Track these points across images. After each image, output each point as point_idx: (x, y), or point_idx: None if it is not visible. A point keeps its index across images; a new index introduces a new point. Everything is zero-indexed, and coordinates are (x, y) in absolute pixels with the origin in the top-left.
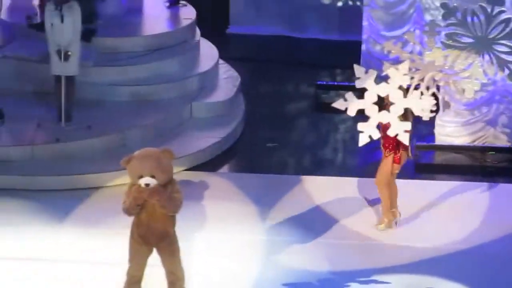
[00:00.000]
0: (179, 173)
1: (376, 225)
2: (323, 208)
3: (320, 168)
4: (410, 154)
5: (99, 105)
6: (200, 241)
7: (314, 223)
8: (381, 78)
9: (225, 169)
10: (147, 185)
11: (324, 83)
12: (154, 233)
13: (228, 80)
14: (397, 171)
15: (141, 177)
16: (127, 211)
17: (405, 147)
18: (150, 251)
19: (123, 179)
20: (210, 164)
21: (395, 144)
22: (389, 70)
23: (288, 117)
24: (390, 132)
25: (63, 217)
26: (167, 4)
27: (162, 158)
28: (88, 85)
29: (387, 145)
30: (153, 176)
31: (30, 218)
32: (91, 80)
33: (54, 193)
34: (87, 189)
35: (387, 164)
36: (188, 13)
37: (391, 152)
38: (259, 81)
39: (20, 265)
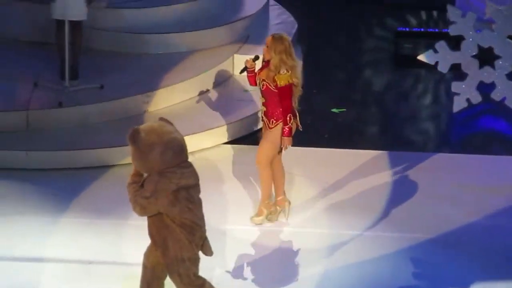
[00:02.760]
0: (219, 147)
1: (251, 217)
2: (396, 191)
3: (400, 141)
4: (299, 124)
5: (114, 58)
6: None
7: (380, 211)
8: (483, 22)
9: None
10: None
11: (407, 29)
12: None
13: (281, 26)
14: (287, 147)
15: None
16: None
17: (295, 115)
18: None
19: None
20: (257, 136)
21: (284, 110)
22: (494, 12)
23: (359, 74)
24: (494, 95)
25: (64, 204)
26: None
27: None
28: (99, 32)
29: (271, 112)
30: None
31: (22, 205)
32: (104, 25)
33: (54, 172)
34: (96, 168)
35: (272, 137)
36: None
37: (277, 122)
38: (321, 28)
39: (8, 266)
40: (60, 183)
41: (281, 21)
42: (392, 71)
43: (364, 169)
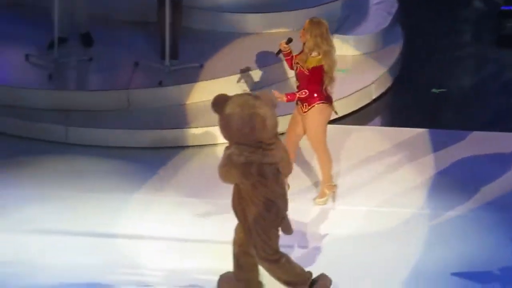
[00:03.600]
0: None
1: (314, 198)
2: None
3: (503, 122)
4: (335, 110)
5: (214, 38)
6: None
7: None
8: None
9: (376, 122)
10: None
11: (510, 8)
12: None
13: (381, 6)
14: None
15: None
16: None
17: (330, 100)
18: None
19: None
20: (357, 116)
21: (310, 92)
22: None
23: (460, 55)
24: None
25: (161, 182)
26: None
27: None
28: (199, 11)
29: (304, 95)
30: None
31: (122, 182)
32: (204, 4)
33: (152, 151)
34: (194, 147)
35: (310, 122)
36: None
37: (311, 106)
38: (422, 7)
39: (104, 242)
40: (157, 162)
41: (381, 1)
42: (494, 51)
43: (464, 149)
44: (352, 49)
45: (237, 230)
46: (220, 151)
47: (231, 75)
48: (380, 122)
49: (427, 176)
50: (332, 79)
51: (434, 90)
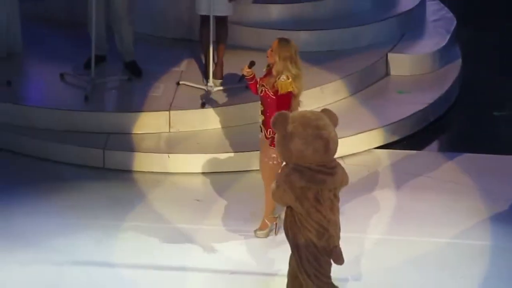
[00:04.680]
0: (369, 152)
1: (255, 230)
2: None
3: None
4: None
5: (260, 56)
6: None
7: None
8: None
9: (433, 146)
10: None
11: None
12: None
13: (438, 23)
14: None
15: None
16: None
17: None
18: None
19: None
20: (412, 140)
21: None
22: None
23: None
24: None
25: (206, 210)
26: None
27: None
28: (244, 29)
29: (269, 122)
30: None
31: (164, 211)
32: (249, 21)
33: (195, 177)
34: (238, 173)
35: (271, 150)
36: None
37: (274, 133)
38: (483, 24)
39: (150, 274)
40: (201, 188)
41: (439, 18)
42: None
43: None
44: (408, 69)
45: (291, 261)
46: (258, 177)
47: None
48: (438, 147)
49: (490, 204)
50: (299, 104)
51: (495, 113)
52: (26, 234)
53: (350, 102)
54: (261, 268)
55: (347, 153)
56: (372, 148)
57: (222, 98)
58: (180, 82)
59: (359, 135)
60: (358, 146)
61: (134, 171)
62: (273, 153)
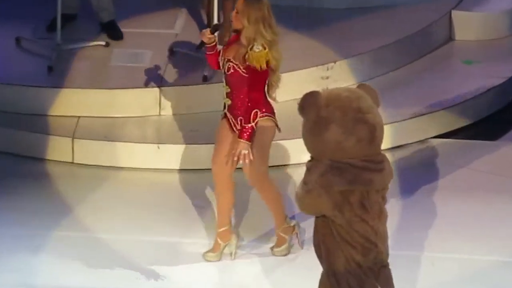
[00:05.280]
0: (424, 143)
1: (271, 248)
2: None
3: None
4: (278, 125)
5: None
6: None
7: None
8: None
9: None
10: None
11: None
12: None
13: None
14: (244, 155)
15: None
16: None
17: (272, 112)
18: None
19: None
20: (485, 126)
21: (252, 103)
22: None
23: None
24: None
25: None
26: None
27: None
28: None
29: (240, 107)
30: None
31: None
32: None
33: (182, 174)
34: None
35: (253, 145)
36: None
37: (254, 120)
38: None
39: None
40: (203, 190)
41: None
42: None
43: None
44: (479, 31)
45: (322, 281)
46: (289, 173)
47: (308, 67)
48: None
49: None
50: (279, 80)
51: None
52: None
53: (399, 76)
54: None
55: (394, 144)
56: (429, 138)
57: None
58: (174, 49)
59: (411, 120)
60: (409, 135)
61: (110, 166)
62: (244, 149)
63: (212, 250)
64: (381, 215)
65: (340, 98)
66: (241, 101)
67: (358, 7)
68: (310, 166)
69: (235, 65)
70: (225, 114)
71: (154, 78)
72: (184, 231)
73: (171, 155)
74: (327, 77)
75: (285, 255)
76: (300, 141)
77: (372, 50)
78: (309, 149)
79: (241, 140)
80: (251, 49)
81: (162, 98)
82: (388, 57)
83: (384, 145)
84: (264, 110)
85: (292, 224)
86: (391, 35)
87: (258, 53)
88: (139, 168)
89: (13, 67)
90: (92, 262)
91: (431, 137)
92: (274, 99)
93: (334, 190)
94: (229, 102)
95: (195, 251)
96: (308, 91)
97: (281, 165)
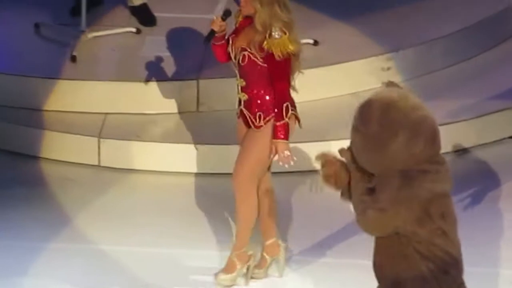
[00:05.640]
0: (500, 144)
1: (216, 274)
2: None
3: None
4: (299, 118)
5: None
6: None
7: None
8: None
9: None
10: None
11: None
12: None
13: None
14: (286, 157)
15: None
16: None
17: (293, 104)
18: None
19: None
20: None
21: (279, 96)
22: None
23: None
24: None
25: None
26: None
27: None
28: None
29: (257, 101)
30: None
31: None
32: None
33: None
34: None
35: (261, 142)
36: None
37: (268, 117)
38: None
39: None
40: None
41: None
42: None
43: None
44: None
45: None
46: None
47: (367, 57)
48: None
49: None
50: (299, 67)
51: None
52: None
53: (468, 67)
54: None
55: (462, 146)
56: (506, 138)
57: None
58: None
59: (482, 118)
60: (481, 135)
61: (141, 170)
62: (285, 150)
63: (225, 271)
64: (456, 224)
65: (393, 101)
66: (260, 95)
67: None
68: (377, 183)
69: (251, 54)
70: (241, 111)
71: (191, 69)
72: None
73: (211, 157)
74: (388, 68)
75: (228, 286)
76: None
77: (441, 37)
78: (372, 165)
79: (279, 140)
80: (269, 36)
81: (201, 92)
82: (454, 47)
83: (447, 148)
84: (292, 103)
85: (249, 253)
86: (461, 22)
87: (279, 40)
88: (174, 172)
89: (31, 56)
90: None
91: (508, 137)
92: (295, 90)
93: (414, 204)
94: (245, 97)
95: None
96: (366, 83)
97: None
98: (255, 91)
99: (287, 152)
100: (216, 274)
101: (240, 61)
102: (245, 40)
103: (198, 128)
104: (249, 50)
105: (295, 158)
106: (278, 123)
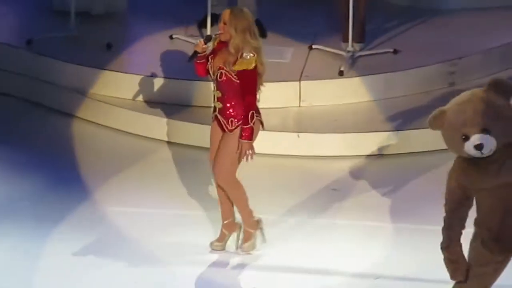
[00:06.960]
0: None
1: (240, 246)
2: None
3: None
4: (263, 123)
5: (410, 15)
6: None
7: None
8: None
9: None
10: (480, 147)
11: None
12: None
13: None
14: (249, 155)
15: (466, 138)
16: None
17: (258, 111)
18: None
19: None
20: None
21: (247, 106)
22: None
23: None
24: None
25: (344, 202)
26: None
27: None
28: None
29: (231, 109)
30: (486, 131)
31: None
32: None
33: (326, 161)
34: (379, 157)
35: (234, 144)
36: None
37: (238, 124)
38: None
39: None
40: (337, 174)
41: None
42: None
43: None
44: None
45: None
46: (429, 159)
47: (432, 64)
48: None
49: None
50: (262, 84)
51: None
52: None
53: None
54: (413, 272)
55: None
56: None
57: (364, 65)
58: (313, 46)
59: None
60: None
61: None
62: (249, 148)
63: (245, 240)
64: None
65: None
66: (233, 105)
67: (473, 8)
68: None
69: (227, 72)
70: (215, 116)
71: (294, 72)
72: (321, 210)
73: (310, 143)
74: (453, 72)
75: (253, 249)
76: (425, 131)
77: (502, 45)
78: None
79: (244, 140)
80: (241, 56)
81: (302, 91)
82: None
83: None
84: (257, 111)
85: (256, 219)
86: None
87: (249, 60)
88: (280, 155)
89: (168, 62)
90: None
91: None
92: (258, 100)
93: None
94: (220, 105)
95: (346, 231)
96: (435, 85)
97: (408, 153)
98: (229, 101)
99: (249, 151)
100: (239, 247)
101: (218, 78)
102: (221, 60)
103: (300, 119)
104: (225, 69)
105: (254, 156)
106: (244, 127)
